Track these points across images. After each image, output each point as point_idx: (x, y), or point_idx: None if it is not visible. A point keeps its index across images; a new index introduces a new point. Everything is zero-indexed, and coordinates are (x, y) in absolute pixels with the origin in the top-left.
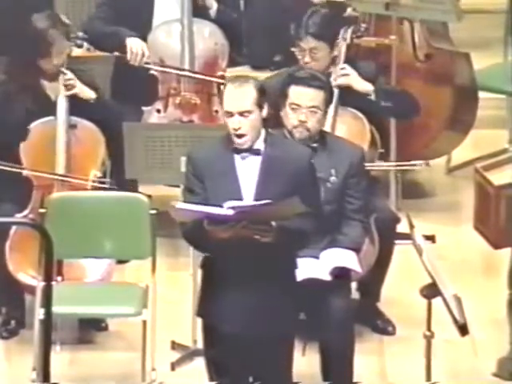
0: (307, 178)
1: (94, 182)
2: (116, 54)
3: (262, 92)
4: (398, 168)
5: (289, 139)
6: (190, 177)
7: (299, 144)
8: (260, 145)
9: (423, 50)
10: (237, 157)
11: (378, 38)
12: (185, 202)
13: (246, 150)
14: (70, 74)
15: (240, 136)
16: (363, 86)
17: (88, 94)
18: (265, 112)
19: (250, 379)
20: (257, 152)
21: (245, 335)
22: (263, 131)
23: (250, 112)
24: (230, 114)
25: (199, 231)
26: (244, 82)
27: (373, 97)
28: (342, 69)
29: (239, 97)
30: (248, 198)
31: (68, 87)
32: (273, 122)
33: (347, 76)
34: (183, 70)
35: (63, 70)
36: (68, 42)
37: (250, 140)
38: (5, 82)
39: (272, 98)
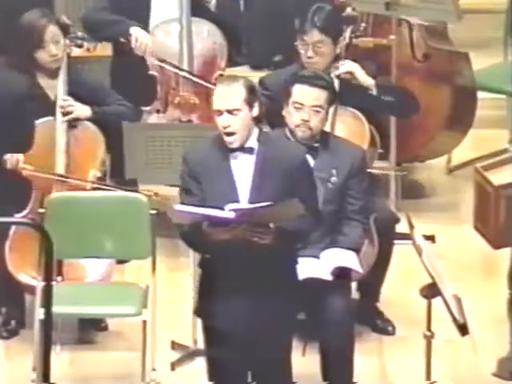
0: (302, 175)
1: (93, 182)
2: (122, 40)
3: (253, 91)
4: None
5: (283, 138)
6: (186, 178)
7: (293, 142)
8: (253, 143)
9: (421, 50)
10: (231, 155)
11: (375, 38)
12: (182, 203)
13: (237, 149)
14: (70, 100)
15: (229, 134)
16: (365, 78)
17: (85, 113)
18: (256, 111)
19: (249, 379)
20: (250, 151)
21: (243, 335)
22: (256, 130)
23: (238, 110)
24: (219, 113)
25: (197, 232)
26: (233, 81)
27: (374, 91)
28: (343, 64)
29: (228, 95)
30: (244, 197)
31: (66, 113)
32: (274, 120)
33: (349, 65)
34: (183, 70)
35: (64, 97)
36: (65, 36)
37: (240, 139)
38: (3, 83)
39: (274, 97)
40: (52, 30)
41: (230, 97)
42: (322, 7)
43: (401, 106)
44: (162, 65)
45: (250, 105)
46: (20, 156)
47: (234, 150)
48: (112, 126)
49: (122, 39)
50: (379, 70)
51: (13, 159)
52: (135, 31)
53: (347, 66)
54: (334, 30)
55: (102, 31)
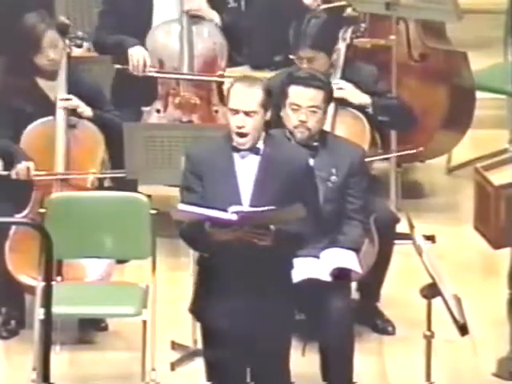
0: (305, 178)
1: (92, 184)
2: (117, 66)
3: (269, 94)
4: (398, 154)
5: (287, 141)
6: (188, 175)
7: (297, 146)
8: (259, 145)
9: (418, 50)
10: (236, 155)
11: (372, 38)
12: (183, 200)
13: (246, 149)
14: (75, 100)
15: (242, 135)
16: (360, 99)
17: (87, 112)
18: (269, 115)
19: (248, 379)
20: (256, 151)
21: (240, 335)
22: (263, 132)
23: (255, 112)
24: (236, 112)
25: (198, 232)
26: (253, 82)
27: (370, 110)
28: (336, 84)
29: (247, 96)
30: (246, 198)
31: (71, 110)
32: (273, 122)
33: (342, 90)
34: (183, 73)
35: (69, 96)
36: (64, 36)
37: (251, 140)
38: (2, 84)
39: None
40: (50, 36)
41: (249, 98)
42: (314, 20)
43: (396, 124)
44: (163, 76)
45: (265, 108)
46: (30, 164)
47: (240, 150)
48: (112, 131)
49: (118, 66)
50: (380, 72)
51: (24, 169)
52: (131, 53)
53: (339, 92)
54: (327, 43)
55: (106, 53)
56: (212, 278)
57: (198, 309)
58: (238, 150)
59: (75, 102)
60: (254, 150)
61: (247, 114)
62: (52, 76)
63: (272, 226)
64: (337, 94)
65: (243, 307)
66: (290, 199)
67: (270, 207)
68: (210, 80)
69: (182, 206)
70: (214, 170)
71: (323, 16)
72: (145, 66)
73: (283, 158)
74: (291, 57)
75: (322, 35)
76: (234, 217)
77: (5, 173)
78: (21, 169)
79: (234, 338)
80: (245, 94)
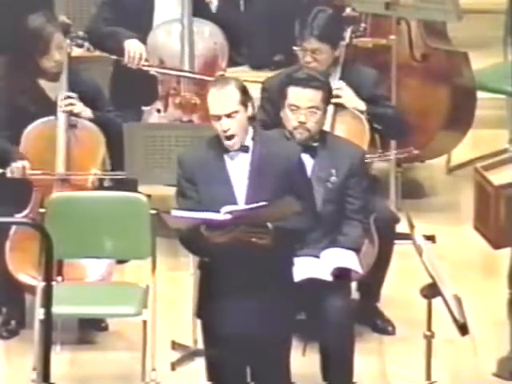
0: (298, 173)
1: (93, 183)
2: (114, 57)
3: (245, 91)
4: (398, 155)
5: (277, 136)
6: (181, 181)
7: (288, 140)
8: (248, 142)
9: (420, 50)
10: (227, 157)
11: (374, 38)
12: (178, 207)
13: (234, 150)
14: (75, 101)
15: (230, 137)
16: (356, 105)
17: (87, 113)
18: (250, 110)
19: (248, 379)
20: (245, 149)
21: (242, 336)
22: (251, 129)
23: (236, 112)
24: (218, 118)
25: (196, 236)
26: (225, 83)
27: (364, 115)
28: (338, 88)
29: (224, 99)
30: (240, 198)
31: (68, 109)
32: (273, 122)
33: (340, 98)
34: (182, 70)
35: (69, 94)
36: (65, 36)
37: (240, 141)
38: (4, 84)
39: (273, 99)
40: (57, 37)
41: (226, 100)
42: (321, 13)
43: (388, 133)
44: (160, 71)
45: (245, 105)
46: (26, 163)
47: (229, 151)
48: (112, 131)
49: (114, 56)
50: (381, 75)
51: (20, 167)
52: (128, 45)
53: (339, 92)
54: (333, 36)
55: (99, 44)
56: (214, 282)
57: (203, 313)
58: (227, 151)
59: (75, 102)
60: (242, 148)
61: (229, 116)
62: (55, 77)
63: (269, 224)
64: (334, 100)
65: (247, 308)
66: (285, 195)
67: (261, 203)
68: (210, 79)
69: (174, 212)
70: (206, 173)
71: (330, 10)
72: (140, 59)
73: (274, 154)
74: (295, 48)
75: (330, 26)
76: (228, 217)
77: (0, 171)
78: (16, 167)
79: (237, 339)
80: (221, 98)
